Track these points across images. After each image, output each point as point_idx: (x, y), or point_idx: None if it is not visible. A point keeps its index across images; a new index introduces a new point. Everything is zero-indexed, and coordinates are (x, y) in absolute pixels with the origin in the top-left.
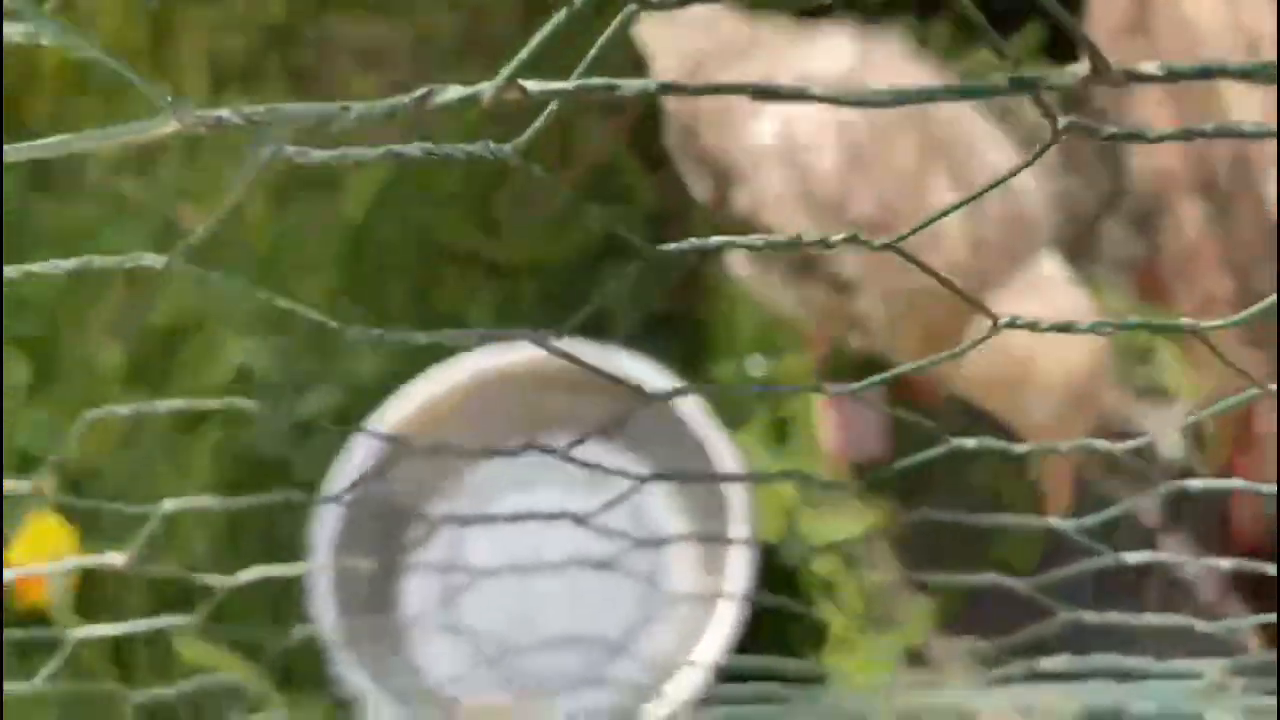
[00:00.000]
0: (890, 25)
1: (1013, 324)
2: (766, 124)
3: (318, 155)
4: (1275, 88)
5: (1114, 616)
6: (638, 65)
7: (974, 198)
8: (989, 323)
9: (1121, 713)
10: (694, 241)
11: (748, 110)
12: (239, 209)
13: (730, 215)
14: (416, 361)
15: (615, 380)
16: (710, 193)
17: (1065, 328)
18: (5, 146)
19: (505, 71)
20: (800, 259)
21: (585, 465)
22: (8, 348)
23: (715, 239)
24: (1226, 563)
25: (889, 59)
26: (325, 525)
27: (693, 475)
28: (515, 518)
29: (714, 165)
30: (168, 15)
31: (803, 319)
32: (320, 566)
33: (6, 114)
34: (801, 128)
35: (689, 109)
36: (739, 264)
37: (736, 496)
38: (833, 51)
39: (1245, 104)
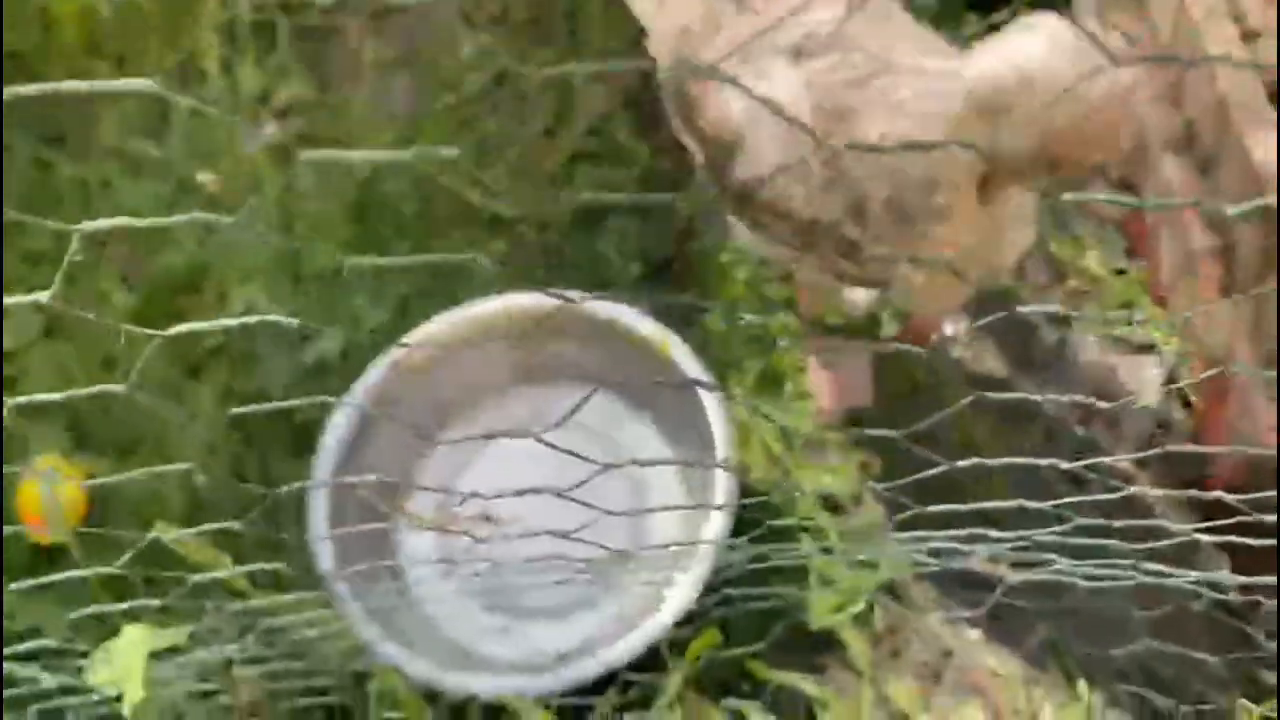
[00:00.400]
0: None
1: None
2: (759, 85)
3: None
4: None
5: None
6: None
7: None
8: None
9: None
10: None
11: (734, 76)
12: (251, 167)
13: (730, 183)
14: (419, 311)
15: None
16: (710, 163)
17: None
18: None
19: None
20: (806, 225)
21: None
22: (22, 295)
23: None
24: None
25: (878, 5)
26: (326, 463)
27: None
28: (529, 434)
29: (712, 139)
30: None
31: (804, 278)
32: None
33: (24, 77)
34: (779, 90)
35: (680, 81)
36: (741, 231)
37: (721, 445)
38: (824, 3)
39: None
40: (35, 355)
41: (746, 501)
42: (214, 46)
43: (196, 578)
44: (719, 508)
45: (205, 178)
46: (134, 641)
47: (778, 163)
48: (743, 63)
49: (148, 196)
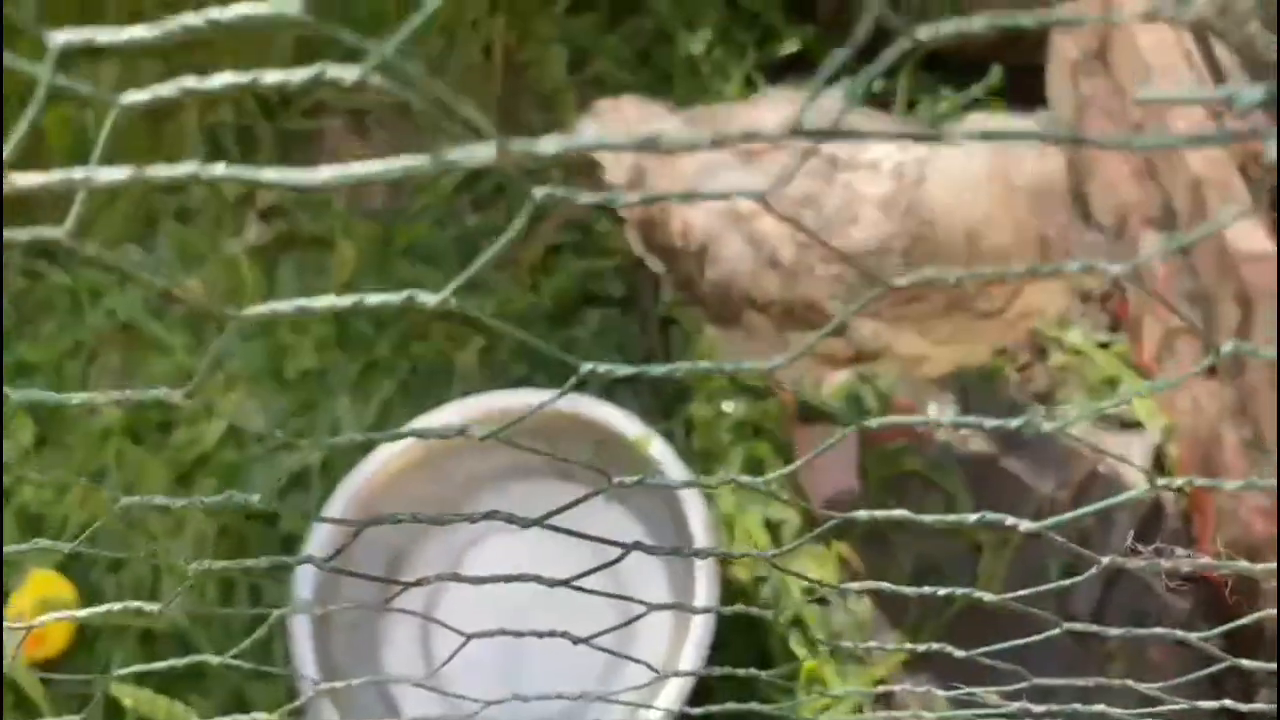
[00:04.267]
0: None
1: None
2: (719, 201)
3: None
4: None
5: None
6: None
7: None
8: None
9: None
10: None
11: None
12: (234, 269)
13: (703, 288)
14: (402, 412)
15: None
16: (679, 278)
17: None
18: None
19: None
20: (787, 310)
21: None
22: (13, 410)
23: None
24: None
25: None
26: (306, 579)
27: (674, 550)
28: (492, 579)
29: (680, 250)
30: None
31: (785, 375)
32: (302, 609)
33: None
34: (743, 200)
35: (642, 209)
36: (709, 328)
37: (702, 541)
38: (774, 108)
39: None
40: (29, 466)
41: (734, 610)
42: (198, 152)
43: None
44: (700, 591)
45: (191, 283)
46: None
47: (747, 256)
48: (701, 173)
49: (137, 304)
